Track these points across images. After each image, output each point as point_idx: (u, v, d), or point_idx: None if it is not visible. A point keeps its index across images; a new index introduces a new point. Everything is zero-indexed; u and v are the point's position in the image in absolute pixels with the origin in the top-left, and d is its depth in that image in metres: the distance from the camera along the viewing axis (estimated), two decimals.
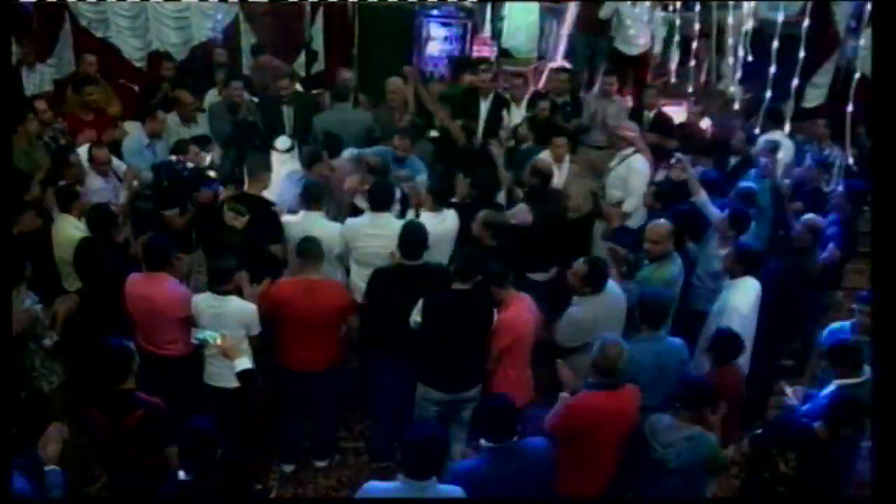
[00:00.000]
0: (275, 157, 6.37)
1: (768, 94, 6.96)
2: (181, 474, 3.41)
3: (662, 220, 5.31)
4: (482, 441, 3.74)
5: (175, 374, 4.75)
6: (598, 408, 4.01)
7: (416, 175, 6.27)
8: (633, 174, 6.58)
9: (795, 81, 6.97)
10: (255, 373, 3.86)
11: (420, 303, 4.64)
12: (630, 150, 6.75)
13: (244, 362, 3.83)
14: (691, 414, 4.01)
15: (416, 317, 4.66)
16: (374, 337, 5.17)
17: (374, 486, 3.59)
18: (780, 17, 6.81)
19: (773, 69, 6.79)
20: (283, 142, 6.60)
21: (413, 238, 4.93)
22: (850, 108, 6.50)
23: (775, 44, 6.77)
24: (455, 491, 3.55)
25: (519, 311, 4.76)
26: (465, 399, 4.77)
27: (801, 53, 6.70)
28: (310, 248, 4.89)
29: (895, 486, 3.27)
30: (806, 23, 6.95)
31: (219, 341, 3.89)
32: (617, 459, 4.14)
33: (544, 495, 3.87)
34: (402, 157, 6.34)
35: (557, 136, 6.80)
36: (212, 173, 6.17)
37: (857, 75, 6.81)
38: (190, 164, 6.14)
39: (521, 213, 5.84)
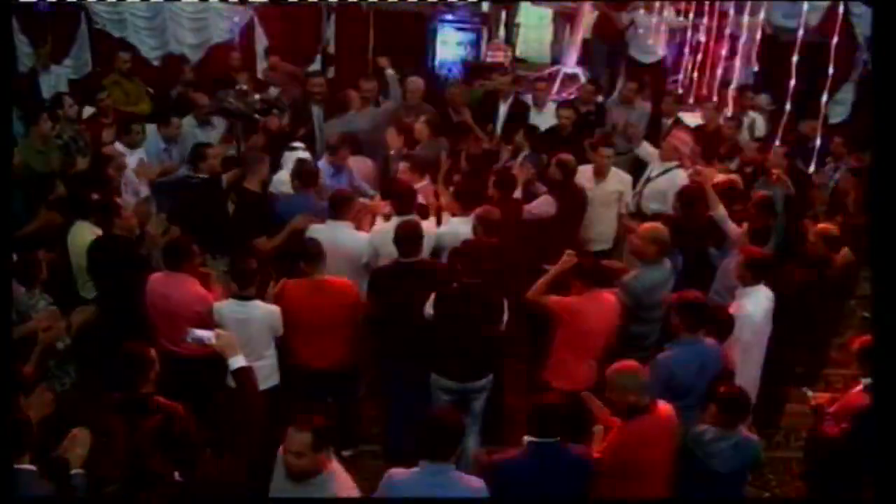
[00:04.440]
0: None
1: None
2: (176, 475, 3.40)
3: (661, 225, 5.21)
4: (525, 437, 3.77)
5: (196, 374, 4.71)
6: (641, 433, 3.93)
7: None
8: (674, 189, 6.18)
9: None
10: (251, 371, 3.85)
11: (433, 295, 4.72)
12: (674, 162, 6.58)
13: (239, 360, 3.79)
14: (732, 423, 4.03)
15: (428, 308, 4.73)
16: (380, 335, 5.20)
17: (397, 473, 3.62)
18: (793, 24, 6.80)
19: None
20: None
21: (406, 235, 4.95)
22: None
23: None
24: (473, 482, 3.57)
25: (590, 300, 4.75)
26: (475, 389, 4.84)
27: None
28: (310, 249, 4.89)
29: (895, 485, 3.25)
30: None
31: (214, 340, 3.86)
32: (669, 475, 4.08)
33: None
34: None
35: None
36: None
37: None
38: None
39: (545, 205, 5.85)
